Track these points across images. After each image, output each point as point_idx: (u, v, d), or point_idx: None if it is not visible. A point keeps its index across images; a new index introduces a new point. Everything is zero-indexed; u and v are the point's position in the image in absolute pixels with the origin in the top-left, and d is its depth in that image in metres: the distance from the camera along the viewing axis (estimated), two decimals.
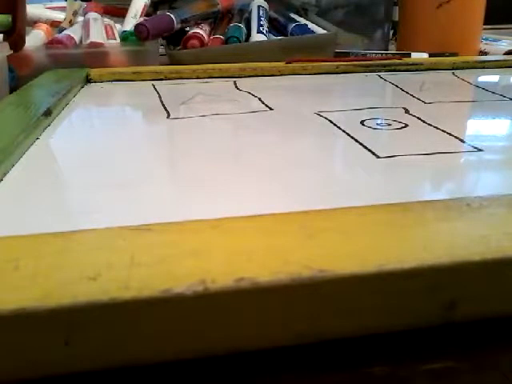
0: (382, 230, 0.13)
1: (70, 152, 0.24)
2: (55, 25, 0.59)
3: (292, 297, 0.12)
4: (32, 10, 0.57)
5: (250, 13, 0.55)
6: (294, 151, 0.23)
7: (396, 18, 0.58)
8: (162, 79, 0.40)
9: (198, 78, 0.41)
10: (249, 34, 0.51)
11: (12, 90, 0.40)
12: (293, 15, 0.57)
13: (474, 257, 0.12)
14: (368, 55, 0.49)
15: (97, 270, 0.12)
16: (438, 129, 0.26)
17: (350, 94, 0.37)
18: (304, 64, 0.42)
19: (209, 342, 0.12)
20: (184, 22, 0.51)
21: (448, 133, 0.25)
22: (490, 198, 0.15)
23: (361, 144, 0.24)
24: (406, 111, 0.30)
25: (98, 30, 0.51)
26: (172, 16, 0.49)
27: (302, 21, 0.55)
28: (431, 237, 0.13)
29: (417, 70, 0.43)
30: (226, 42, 0.49)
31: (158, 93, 0.36)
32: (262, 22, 0.52)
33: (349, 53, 0.50)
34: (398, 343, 0.13)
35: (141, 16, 0.56)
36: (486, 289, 0.13)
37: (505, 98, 0.33)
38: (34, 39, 0.51)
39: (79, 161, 0.22)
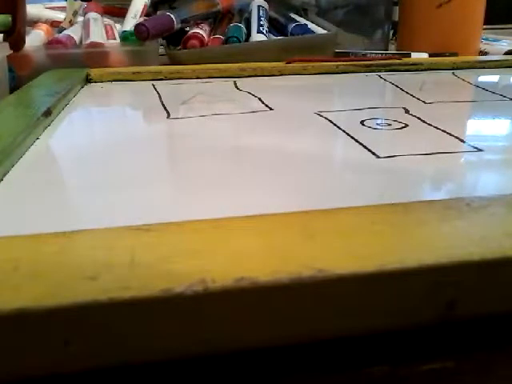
0: (382, 229, 0.13)
1: (70, 152, 0.24)
2: (55, 25, 0.59)
3: (292, 297, 0.12)
4: (32, 9, 0.57)
5: (250, 13, 0.55)
6: (294, 151, 0.23)
7: (396, 18, 0.58)
8: (161, 79, 0.40)
9: (198, 78, 0.41)
10: (249, 34, 0.51)
11: (12, 90, 0.40)
12: (293, 15, 0.57)
13: (473, 257, 0.12)
14: (368, 55, 0.49)
15: (97, 270, 0.12)
16: (438, 129, 0.26)
17: (349, 93, 0.37)
18: (304, 64, 0.42)
19: (209, 342, 0.12)
20: (184, 21, 0.51)
21: (448, 133, 0.25)
22: (490, 197, 0.15)
23: (361, 144, 0.24)
24: (406, 111, 0.30)
25: (98, 30, 0.51)
26: (172, 16, 0.49)
27: (302, 21, 0.55)
28: (431, 237, 0.13)
29: (417, 70, 0.43)
30: (226, 41, 0.49)
31: (158, 93, 0.36)
32: (261, 22, 0.52)
33: (349, 53, 0.50)
34: (398, 343, 0.13)
35: (141, 16, 0.56)
36: (485, 289, 0.13)
37: (505, 98, 0.33)
38: (34, 39, 0.51)
39: (79, 161, 0.22)
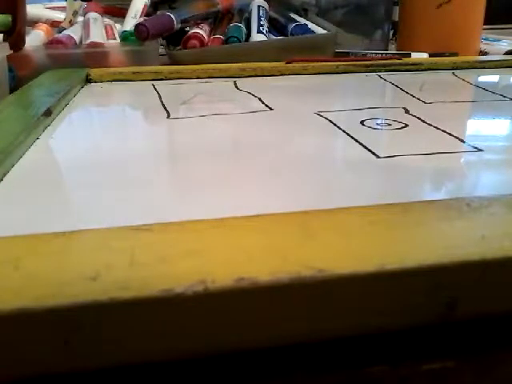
0: (382, 230, 0.13)
1: (70, 152, 0.24)
2: (55, 25, 0.59)
3: (292, 297, 0.12)
4: (32, 10, 0.57)
5: (250, 13, 0.55)
6: (294, 151, 0.23)
7: (396, 18, 0.58)
8: (162, 79, 0.40)
9: (198, 78, 0.41)
10: (249, 34, 0.51)
11: (12, 90, 0.40)
12: (293, 15, 0.57)
13: (474, 257, 0.12)
14: (368, 55, 0.49)
15: (97, 270, 0.12)
16: (438, 129, 0.26)
17: (349, 94, 0.37)
18: (304, 64, 0.42)
19: (209, 342, 0.12)
20: (184, 21, 0.51)
21: (448, 133, 0.25)
22: (490, 197, 0.15)
23: (361, 144, 0.24)
24: (406, 111, 0.30)
25: (98, 30, 0.51)
26: (172, 16, 0.49)
27: (302, 21, 0.55)
28: (431, 237, 0.13)
29: (417, 70, 0.43)
30: (226, 41, 0.49)
31: (158, 93, 0.36)
32: (262, 22, 0.52)
33: (349, 53, 0.50)
34: (398, 343, 0.13)
35: (141, 16, 0.56)
36: (486, 289, 0.13)
37: (505, 98, 0.33)
38: (34, 39, 0.51)
39: (79, 161, 0.22)
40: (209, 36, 0.51)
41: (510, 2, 0.85)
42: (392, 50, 0.59)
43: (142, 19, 0.54)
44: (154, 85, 0.39)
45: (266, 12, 0.55)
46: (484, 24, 0.52)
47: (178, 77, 0.41)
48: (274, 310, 0.12)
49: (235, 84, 0.39)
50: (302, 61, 0.42)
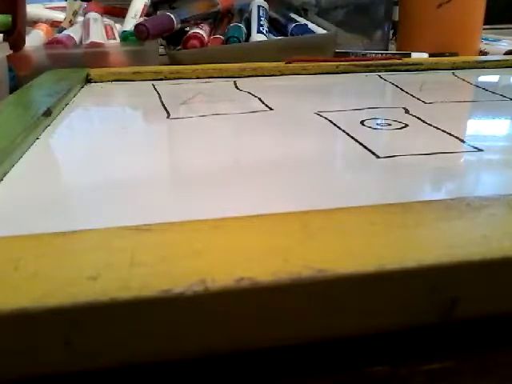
0: (382, 229, 0.13)
1: (70, 152, 0.24)
2: (55, 25, 0.59)
3: (292, 297, 0.12)
4: (32, 9, 0.57)
5: (250, 13, 0.55)
6: (294, 151, 0.23)
7: (396, 18, 0.58)
8: (161, 79, 0.41)
9: (198, 78, 0.41)
10: (249, 34, 0.51)
11: (12, 90, 0.40)
12: (293, 15, 0.57)
13: (474, 257, 0.12)
14: (368, 55, 0.49)
15: (97, 270, 0.12)
16: (438, 129, 0.26)
17: (350, 94, 0.37)
18: (304, 64, 0.42)
19: (209, 342, 0.12)
20: (184, 21, 0.51)
21: (448, 133, 0.25)
22: (490, 198, 0.15)
23: (361, 144, 0.24)
24: (406, 111, 0.30)
25: (98, 30, 0.51)
26: (172, 16, 0.49)
27: (302, 21, 0.55)
28: (431, 237, 0.13)
29: (417, 70, 0.43)
30: (226, 42, 0.49)
31: (158, 93, 0.36)
32: (262, 22, 0.52)
33: (349, 53, 0.50)
34: (398, 343, 0.13)
35: (141, 16, 0.56)
36: (486, 289, 0.13)
37: (505, 98, 0.33)
38: (34, 39, 0.51)
39: (79, 161, 0.22)
40: (209, 36, 0.51)
41: (510, 2, 0.85)
42: (392, 49, 0.59)
43: (142, 19, 0.54)
44: (154, 85, 0.39)
45: (266, 12, 0.55)
46: (484, 24, 0.52)
47: (178, 77, 0.41)
48: (273, 310, 0.12)
49: (235, 84, 0.39)
50: (302, 61, 0.42)
